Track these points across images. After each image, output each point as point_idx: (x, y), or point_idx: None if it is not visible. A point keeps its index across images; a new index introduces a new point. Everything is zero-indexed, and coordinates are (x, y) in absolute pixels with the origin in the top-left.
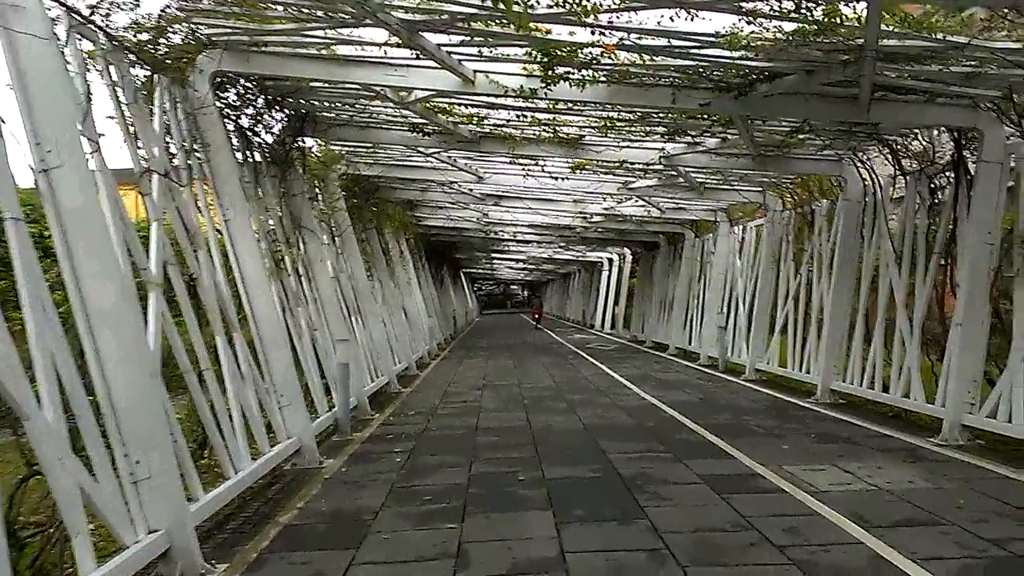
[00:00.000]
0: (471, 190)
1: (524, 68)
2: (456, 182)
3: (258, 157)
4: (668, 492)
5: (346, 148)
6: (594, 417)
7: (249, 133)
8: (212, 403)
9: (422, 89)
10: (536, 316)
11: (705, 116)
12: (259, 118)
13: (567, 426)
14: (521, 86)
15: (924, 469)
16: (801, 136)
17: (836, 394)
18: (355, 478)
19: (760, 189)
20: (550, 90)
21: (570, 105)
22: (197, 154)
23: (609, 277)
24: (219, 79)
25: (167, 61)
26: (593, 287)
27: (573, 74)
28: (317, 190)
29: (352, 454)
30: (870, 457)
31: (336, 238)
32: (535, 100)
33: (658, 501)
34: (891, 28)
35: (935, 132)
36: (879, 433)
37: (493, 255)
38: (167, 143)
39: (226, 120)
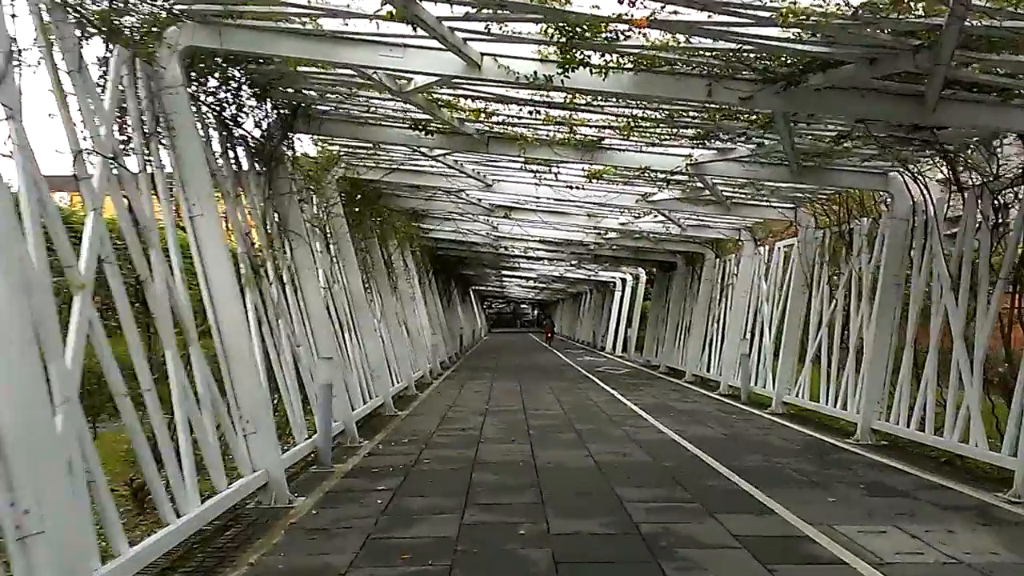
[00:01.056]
0: (479, 200)
1: (538, 52)
2: (464, 190)
3: (241, 152)
4: (701, 559)
5: (345, 149)
6: (607, 453)
7: (231, 124)
8: (153, 432)
9: (422, 74)
10: (548, 336)
11: (742, 115)
12: (240, 106)
13: (577, 463)
14: (535, 72)
15: (1005, 535)
16: (848, 144)
17: (877, 434)
18: (326, 523)
19: (792, 205)
20: (567, 77)
21: (589, 100)
22: (162, 141)
23: (622, 298)
24: (194, 59)
25: (126, 29)
26: (605, 308)
27: (594, 58)
28: (312, 193)
29: (328, 491)
30: (935, 517)
31: (331, 246)
32: (549, 94)
33: (690, 572)
34: (983, 2)
35: (998, 142)
36: (937, 484)
37: (503, 272)
38: (124, 125)
39: (204, 108)
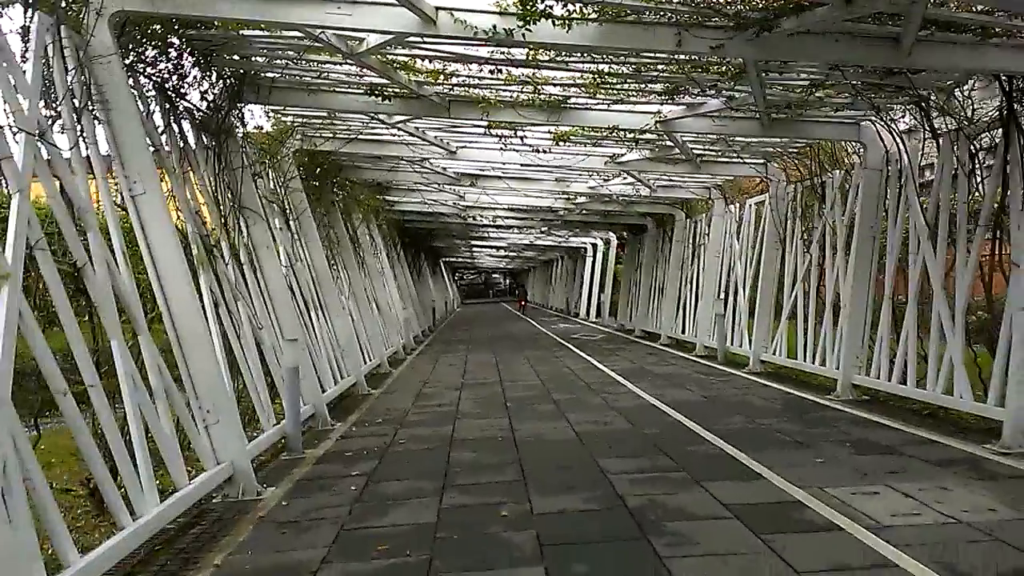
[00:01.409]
0: (444, 168)
1: (496, 3)
2: (428, 159)
3: (188, 126)
4: (692, 532)
5: (300, 119)
6: (587, 423)
7: (173, 96)
8: (100, 429)
9: (373, 32)
10: (521, 304)
11: (712, 67)
12: (182, 77)
13: (557, 435)
14: (494, 26)
15: (1000, 490)
16: (820, 93)
17: (857, 389)
18: (296, 515)
19: (762, 161)
20: (529, 31)
21: (552, 56)
22: (96, 115)
23: (594, 263)
24: (126, 26)
25: None
26: (577, 274)
27: (557, 8)
28: (267, 167)
29: (299, 480)
30: (926, 473)
31: (291, 222)
32: (511, 52)
33: (682, 547)
34: None
35: (970, 85)
36: (922, 438)
37: (473, 243)
38: (51, 100)
39: (144, 79)
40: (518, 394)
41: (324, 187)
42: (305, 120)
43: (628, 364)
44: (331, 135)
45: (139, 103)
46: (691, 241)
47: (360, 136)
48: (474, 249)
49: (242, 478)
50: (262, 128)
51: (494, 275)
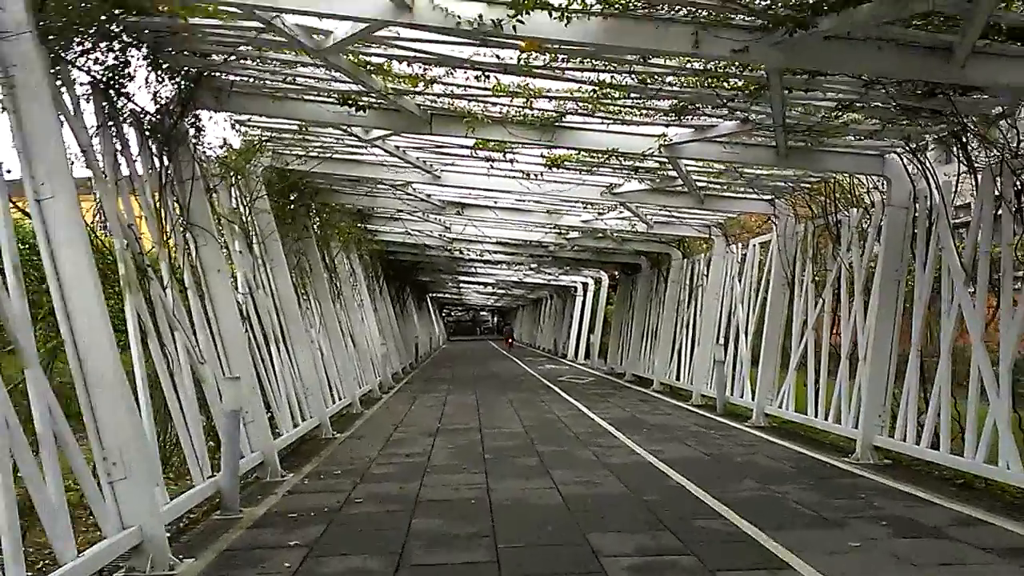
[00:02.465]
0: (429, 196)
1: None
2: (411, 183)
3: (132, 130)
4: None
5: (270, 134)
6: (575, 483)
7: (113, 93)
8: None
9: (340, 18)
10: (508, 343)
11: (728, 81)
12: (124, 72)
13: (540, 500)
14: (479, 16)
15: None
16: (845, 118)
17: (879, 452)
18: None
19: (770, 196)
20: (521, 22)
21: (548, 59)
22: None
23: (584, 303)
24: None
25: None
26: (566, 314)
27: None
28: (231, 184)
29: (226, 550)
30: (987, 566)
31: (255, 245)
32: (500, 55)
33: None
34: None
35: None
36: (968, 517)
37: (460, 278)
38: None
39: (77, 71)
40: (498, 443)
41: (297, 210)
42: (275, 135)
43: (620, 412)
44: (303, 152)
45: (66, 96)
46: (687, 282)
47: (335, 156)
48: (461, 285)
49: (152, 547)
50: (227, 142)
51: (482, 312)
